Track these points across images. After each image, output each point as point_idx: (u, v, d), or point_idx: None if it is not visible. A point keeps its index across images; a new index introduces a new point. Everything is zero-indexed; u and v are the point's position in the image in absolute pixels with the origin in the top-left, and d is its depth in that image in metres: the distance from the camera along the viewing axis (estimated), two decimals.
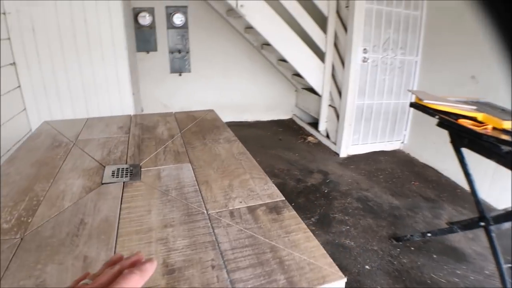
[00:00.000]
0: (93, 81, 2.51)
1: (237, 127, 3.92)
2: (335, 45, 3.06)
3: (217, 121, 1.58)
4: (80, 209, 0.86)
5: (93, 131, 1.43)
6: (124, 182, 1.01)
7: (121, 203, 0.89)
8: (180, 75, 3.74)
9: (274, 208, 0.88)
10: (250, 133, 3.74)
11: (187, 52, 3.65)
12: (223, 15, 3.49)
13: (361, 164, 3.00)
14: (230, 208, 0.88)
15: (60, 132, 1.39)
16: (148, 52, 3.53)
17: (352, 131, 3.04)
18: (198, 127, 1.51)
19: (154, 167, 1.11)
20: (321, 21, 3.03)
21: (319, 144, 3.43)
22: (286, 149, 3.32)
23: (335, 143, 3.17)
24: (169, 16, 3.42)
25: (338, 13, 2.96)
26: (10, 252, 0.71)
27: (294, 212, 0.86)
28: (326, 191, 2.56)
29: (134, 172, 1.07)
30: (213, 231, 0.78)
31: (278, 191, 0.96)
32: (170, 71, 3.69)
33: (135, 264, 0.41)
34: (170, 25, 3.48)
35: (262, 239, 0.76)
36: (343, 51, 2.91)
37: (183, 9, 3.46)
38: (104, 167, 1.10)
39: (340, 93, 3.01)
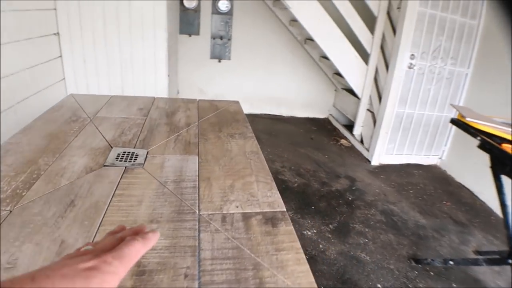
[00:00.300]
0: (131, 59, 2.55)
1: (270, 120, 3.85)
2: (382, 47, 2.86)
3: (238, 114, 1.52)
4: (74, 190, 0.85)
5: (113, 109, 1.43)
6: (125, 167, 0.98)
7: (115, 190, 0.86)
8: (219, 61, 3.72)
9: (270, 219, 0.80)
10: (282, 128, 3.66)
11: (229, 39, 3.61)
12: (269, 5, 3.40)
13: (392, 175, 2.81)
14: (224, 211, 0.82)
15: (81, 107, 1.41)
16: (190, 35, 3.54)
17: (388, 140, 2.85)
18: (218, 118, 1.46)
19: (160, 155, 1.08)
20: (369, 21, 2.84)
21: (352, 148, 3.27)
22: (316, 149, 3.20)
23: (368, 150, 2.99)
24: (215, 1, 3.39)
25: (388, 14, 2.75)
26: (2, 224, 0.70)
27: (292, 227, 0.78)
28: (350, 198, 2.43)
29: (138, 158, 1.04)
30: (199, 235, 0.73)
31: (281, 201, 0.89)
32: (210, 57, 3.68)
33: (138, 233, 0.40)
34: (215, 10, 3.45)
35: (248, 253, 0.69)
36: (389, 54, 2.71)
37: None
38: (112, 148, 1.09)
39: (380, 98, 2.82)
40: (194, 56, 3.64)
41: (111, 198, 0.83)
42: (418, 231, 2.12)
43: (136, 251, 0.36)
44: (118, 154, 1.05)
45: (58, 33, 2.30)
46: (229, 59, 3.71)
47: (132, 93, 2.61)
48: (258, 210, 0.84)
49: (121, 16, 2.38)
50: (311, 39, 3.03)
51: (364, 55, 2.93)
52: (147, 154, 1.07)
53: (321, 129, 3.72)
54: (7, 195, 0.80)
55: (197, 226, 0.76)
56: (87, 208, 0.78)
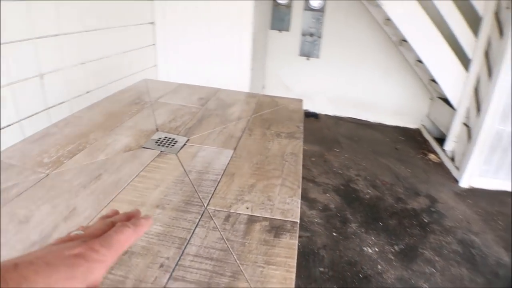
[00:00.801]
0: (217, 50, 2.67)
1: (355, 125, 3.63)
2: (486, 53, 2.39)
3: (295, 113, 1.45)
4: (106, 165, 0.92)
5: (175, 96, 1.51)
6: (160, 152, 1.02)
7: (141, 171, 0.91)
8: (307, 59, 3.64)
9: (276, 228, 0.74)
10: (366, 134, 3.41)
11: (319, 37, 3.50)
12: (364, 3, 3.17)
13: (481, 201, 2.37)
14: (232, 210, 0.78)
15: (148, 91, 1.52)
16: (280, 31, 3.54)
17: (483, 160, 2.40)
18: (273, 114, 1.41)
19: (198, 144, 1.10)
20: (473, 23, 2.41)
21: (440, 165, 2.86)
22: (399, 161, 2.90)
23: (458, 169, 2.57)
24: None
25: (496, 14, 2.28)
26: (31, 182, 0.80)
27: (296, 241, 0.70)
28: (426, 220, 2.14)
29: (176, 144, 1.08)
30: (195, 229, 0.71)
31: (297, 211, 0.81)
32: (299, 54, 3.63)
33: (131, 219, 0.39)
34: (307, 7, 3.38)
35: (234, 258, 0.64)
36: (494, 61, 2.25)
37: None
38: (156, 132, 1.15)
39: (479, 111, 2.38)
40: (283, 52, 3.64)
41: (133, 178, 0.87)
42: (498, 270, 1.75)
43: (125, 238, 0.35)
44: (160, 138, 1.10)
45: (153, 22, 2.55)
46: (317, 57, 3.60)
47: (215, 84, 2.71)
48: (267, 216, 0.77)
49: (211, 8, 2.51)
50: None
51: (464, 61, 2.51)
52: (186, 142, 1.10)
53: (409, 140, 3.34)
54: (51, 160, 0.91)
55: (197, 220, 0.74)
56: (108, 183, 0.84)
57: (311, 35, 3.51)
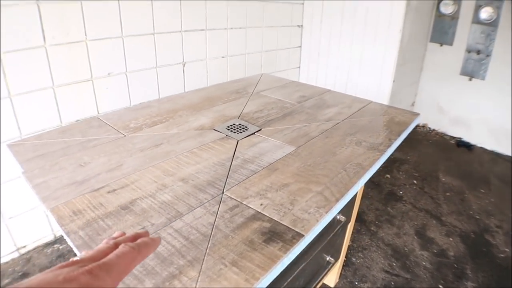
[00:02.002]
0: (360, 58, 2.53)
1: (499, 159, 2.73)
2: None
3: (399, 126, 1.21)
4: (172, 138, 1.02)
5: (278, 91, 1.52)
6: (226, 135, 1.06)
7: (194, 148, 0.96)
8: (470, 79, 2.97)
9: (273, 234, 0.64)
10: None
11: (488, 55, 2.78)
12: None
13: None
14: (244, 202, 0.74)
15: (256, 84, 1.58)
16: (441, 44, 3.01)
17: None
18: (370, 122, 1.22)
19: (266, 136, 1.07)
20: None
21: None
22: None
23: None
24: (478, 9, 2.67)
25: None
26: (109, 139, 0.98)
27: (284, 255, 0.60)
28: None
29: (244, 132, 1.08)
30: (195, 208, 0.71)
31: (313, 224, 0.68)
32: (460, 73, 3.00)
33: (136, 239, 0.38)
34: (476, 19, 2.72)
35: (206, 246, 0.60)
36: None
37: (496, 3, 2.57)
38: (235, 119, 1.18)
39: None
40: (442, 68, 3.09)
41: (183, 153, 0.94)
42: None
43: (128, 260, 0.33)
44: (234, 124, 1.14)
45: (301, 26, 2.62)
46: (483, 78, 2.88)
47: (354, 92, 2.60)
48: (274, 218, 0.69)
49: (358, 14, 2.38)
50: None
51: None
52: (255, 132, 1.09)
53: None
54: (135, 126, 1.08)
55: (205, 201, 0.73)
56: (161, 152, 0.93)
57: (478, 52, 2.81)
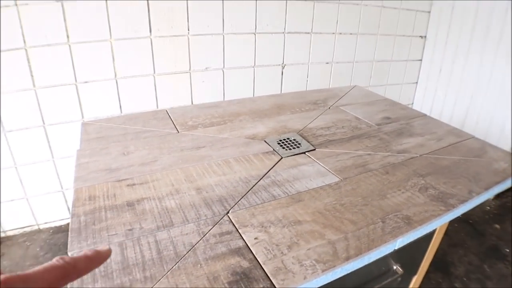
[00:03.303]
0: (483, 80, 2.03)
1: None
2: None
3: (495, 176, 0.89)
4: (218, 142, 1.01)
5: (362, 108, 1.33)
6: (272, 150, 0.99)
7: (229, 157, 0.93)
8: None
9: (244, 278, 0.56)
10: None
11: None
12: None
13: None
14: (240, 230, 0.67)
15: (341, 96, 1.42)
16: None
17: None
18: (454, 163, 0.95)
19: (315, 158, 0.95)
20: None
21: None
22: None
23: None
24: None
25: None
26: (162, 133, 1.04)
27: None
28: None
29: (293, 150, 0.99)
30: (188, 222, 0.68)
31: (298, 282, 0.56)
32: None
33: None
34: None
35: (167, 266, 0.57)
36: None
37: None
38: (294, 133, 1.09)
39: None
40: None
41: (217, 160, 0.92)
42: None
43: (58, 274, 0.30)
44: (288, 139, 1.05)
45: (425, 37, 2.23)
46: None
47: (476, 121, 2.12)
48: (259, 259, 0.60)
49: (492, 29, 1.89)
50: None
51: None
52: (306, 151, 0.99)
53: None
54: (191, 124, 1.11)
55: (203, 217, 0.70)
56: (197, 155, 0.94)
57: None
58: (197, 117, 1.18)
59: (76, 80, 1.54)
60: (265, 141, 1.04)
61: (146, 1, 1.53)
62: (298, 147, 1.01)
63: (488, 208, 2.21)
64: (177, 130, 1.08)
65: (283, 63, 1.92)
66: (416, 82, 2.40)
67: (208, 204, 0.74)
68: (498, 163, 0.98)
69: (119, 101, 1.67)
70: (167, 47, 1.63)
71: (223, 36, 1.72)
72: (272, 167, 0.90)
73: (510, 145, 2.09)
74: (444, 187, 0.84)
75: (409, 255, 1.07)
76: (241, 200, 0.76)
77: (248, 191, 0.80)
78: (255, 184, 0.82)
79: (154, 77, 1.68)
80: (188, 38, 1.67)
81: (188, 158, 0.93)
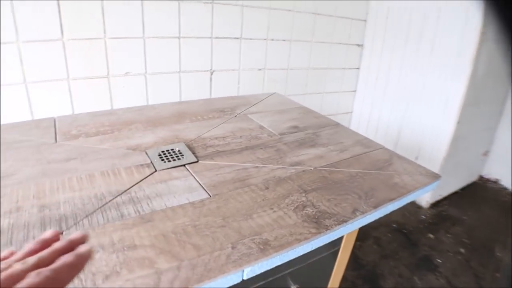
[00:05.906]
0: (421, 89, 2.07)
1: None
2: None
3: (393, 192, 0.87)
4: (92, 155, 0.94)
5: (271, 117, 1.29)
6: (149, 162, 0.92)
7: (97, 171, 0.86)
8: None
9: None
10: None
11: None
12: None
13: None
14: None
15: (253, 104, 1.38)
16: None
17: None
18: (356, 179, 0.92)
19: (194, 172, 0.90)
20: None
21: None
22: None
23: None
24: None
25: None
26: (35, 146, 0.95)
27: None
28: None
29: (173, 162, 0.93)
30: (9, 247, 0.60)
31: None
32: None
33: (71, 249, 0.34)
34: None
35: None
36: None
37: None
38: (179, 143, 1.03)
39: None
40: None
41: (81, 175, 0.84)
42: None
43: None
44: (172, 149, 0.99)
45: (362, 45, 2.25)
46: None
47: (412, 128, 2.15)
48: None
49: (425, 38, 1.93)
50: None
51: None
52: (188, 163, 0.93)
53: None
54: (75, 134, 1.03)
55: (31, 240, 0.62)
56: (61, 169, 0.86)
57: None
58: (84, 125, 1.10)
59: None
60: (146, 152, 0.97)
61: (57, 1, 1.44)
62: (179, 159, 0.95)
63: (424, 217, 2.23)
64: (55, 140, 1.00)
65: (211, 68, 1.86)
66: (355, 90, 2.41)
67: (44, 224, 0.67)
68: (400, 177, 0.95)
69: (30, 107, 1.56)
70: (81, 50, 1.54)
71: (144, 40, 1.65)
72: (138, 182, 0.83)
73: (445, 152, 2.13)
74: (326, 206, 0.80)
75: (310, 274, 1.02)
76: (84, 219, 0.69)
77: (97, 209, 0.73)
78: (109, 201, 0.75)
79: (68, 81, 1.58)
80: (105, 42, 1.58)
81: (51, 171, 0.84)
